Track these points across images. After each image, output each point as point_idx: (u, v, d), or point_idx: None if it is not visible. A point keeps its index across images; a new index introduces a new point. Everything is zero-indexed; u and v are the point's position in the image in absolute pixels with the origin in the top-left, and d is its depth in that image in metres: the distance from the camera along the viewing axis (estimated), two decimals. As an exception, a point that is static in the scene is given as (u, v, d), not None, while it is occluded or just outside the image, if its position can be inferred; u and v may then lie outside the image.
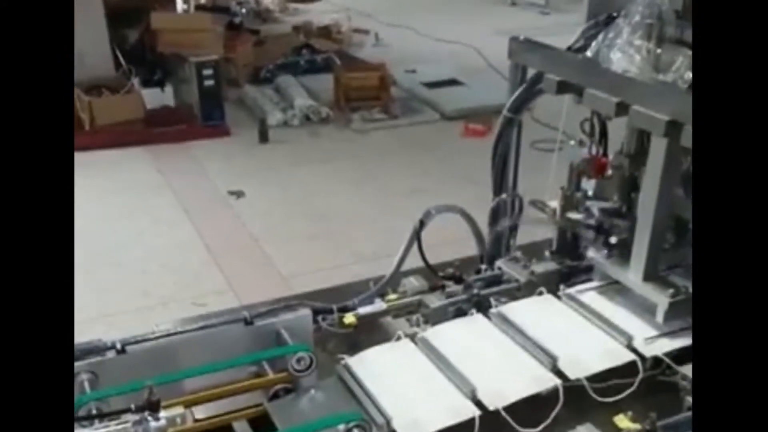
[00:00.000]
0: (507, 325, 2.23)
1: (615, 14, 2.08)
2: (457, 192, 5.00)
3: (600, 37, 2.06)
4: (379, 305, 2.37)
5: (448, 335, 2.20)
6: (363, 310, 2.34)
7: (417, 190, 5.36)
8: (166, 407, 1.76)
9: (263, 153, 6.30)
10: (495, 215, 2.57)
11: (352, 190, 5.55)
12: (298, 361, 1.99)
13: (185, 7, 9.09)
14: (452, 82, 7.64)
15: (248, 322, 2.08)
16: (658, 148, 1.99)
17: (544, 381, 2.00)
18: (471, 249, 2.69)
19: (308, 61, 8.12)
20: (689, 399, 1.92)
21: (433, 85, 7.55)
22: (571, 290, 2.36)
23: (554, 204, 2.48)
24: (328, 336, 2.29)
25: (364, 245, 4.66)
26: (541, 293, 2.37)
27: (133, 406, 1.71)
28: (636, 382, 1.99)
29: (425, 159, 6.08)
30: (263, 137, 6.46)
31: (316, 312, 2.25)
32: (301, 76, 7.71)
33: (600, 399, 1.97)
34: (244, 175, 5.78)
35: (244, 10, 10.18)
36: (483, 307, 2.33)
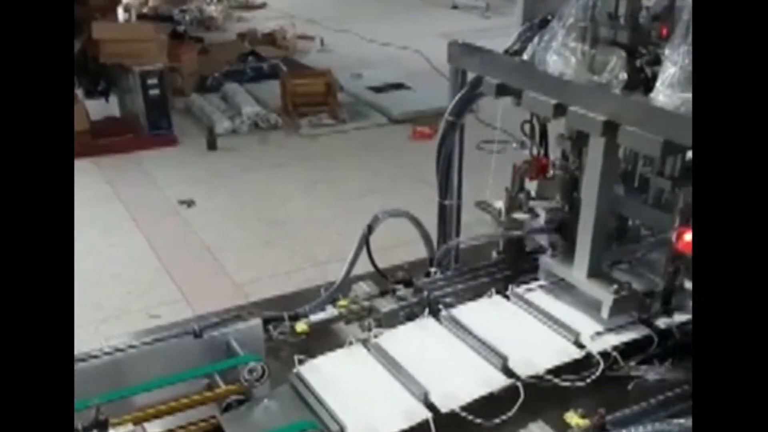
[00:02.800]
0: (457, 327, 2.25)
1: (549, 17, 2.11)
2: (409, 192, 5.06)
3: (535, 40, 2.09)
4: (330, 312, 2.36)
5: (399, 339, 2.21)
6: (314, 318, 2.33)
7: (369, 192, 5.38)
8: (116, 425, 1.74)
9: (212, 161, 6.25)
10: (442, 218, 2.59)
11: (304, 195, 5.55)
12: (250, 371, 1.98)
13: (127, 16, 8.96)
14: (398, 86, 7.68)
15: (197, 335, 2.07)
16: (596, 147, 2.03)
17: (495, 381, 2.02)
18: (423, 250, 2.71)
19: (254, 69, 8.08)
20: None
21: (379, 89, 7.58)
22: (519, 290, 2.39)
23: (499, 204, 2.52)
24: (280, 344, 2.28)
25: (318, 249, 4.65)
26: (489, 294, 2.39)
27: (80, 426, 1.68)
28: (585, 378, 2.02)
29: (375, 162, 6.10)
30: (212, 145, 6.41)
31: (266, 321, 2.24)
32: (247, 84, 7.67)
33: (550, 396, 1.99)
34: (194, 183, 5.73)
35: (187, 19, 10.09)
36: (433, 309, 2.35)
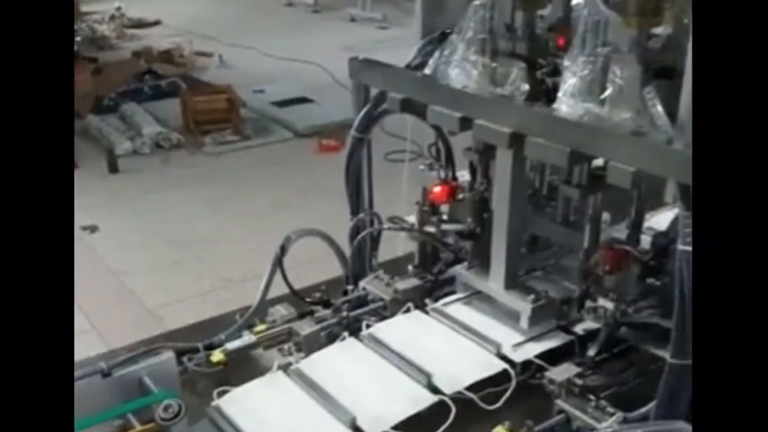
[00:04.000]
0: (379, 345, 2.21)
1: (449, 31, 2.11)
2: (320, 205, 5.01)
3: (436, 54, 2.08)
4: (247, 338, 2.29)
5: (321, 363, 2.16)
6: (231, 346, 2.25)
7: (280, 208, 5.32)
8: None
9: (114, 184, 6.06)
10: (355, 234, 2.55)
11: (212, 214, 5.44)
12: (165, 409, 1.88)
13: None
14: (301, 100, 7.65)
15: (106, 374, 1.96)
16: (504, 159, 2.04)
17: (421, 399, 2.00)
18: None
19: (152, 87, 7.87)
20: (558, 402, 1.97)
21: (282, 103, 7.53)
22: (437, 304, 2.37)
23: (412, 219, 2.50)
24: (196, 377, 2.20)
25: (232, 268, 4.55)
26: (408, 310, 2.37)
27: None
28: (510, 389, 2.01)
29: (284, 176, 6.04)
30: (113, 167, 6.22)
31: (180, 353, 2.15)
32: (146, 103, 7.46)
33: (477, 410, 1.98)
34: (96, 208, 5.52)
35: (79, 38, 9.74)
36: (354, 329, 2.31)
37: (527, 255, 2.40)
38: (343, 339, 2.27)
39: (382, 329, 2.29)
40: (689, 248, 1.59)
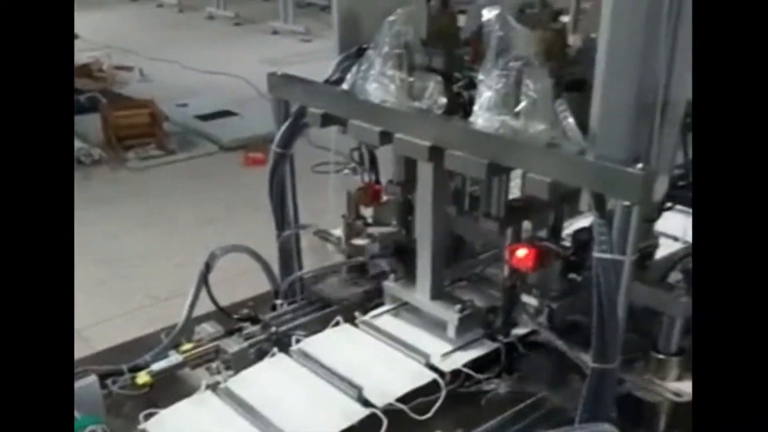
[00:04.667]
0: (309, 360, 2.21)
1: (365, 46, 2.12)
2: (247, 219, 4.93)
3: (354, 69, 2.10)
4: (174, 358, 2.25)
5: (251, 381, 2.14)
6: (157, 367, 2.21)
7: (207, 222, 5.23)
8: None
9: (34, 203, 5.86)
10: (282, 249, 2.54)
11: (137, 230, 5.30)
12: (90, 436, 1.84)
13: None
14: (226, 113, 7.56)
15: (27, 401, 1.90)
16: (425, 172, 2.06)
17: (353, 413, 2.00)
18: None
19: (71, 102, 7.66)
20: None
21: (207, 117, 7.42)
22: (366, 317, 2.38)
23: (338, 232, 2.51)
24: (121, 400, 2.15)
25: (159, 286, 4.45)
26: (338, 323, 2.37)
27: None
28: (440, 399, 2.03)
29: (211, 190, 5.95)
30: (31, 187, 6.01)
31: (103, 376, 2.10)
32: (65, 119, 7.25)
33: (409, 421, 1.99)
34: (14, 228, 5.34)
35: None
36: (284, 344, 2.30)
37: (453, 265, 2.43)
38: (273, 355, 2.25)
39: (312, 343, 2.29)
40: (605, 255, 1.63)
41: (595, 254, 1.65)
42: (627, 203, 1.58)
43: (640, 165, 1.55)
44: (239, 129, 7.04)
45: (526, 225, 2.20)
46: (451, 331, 2.23)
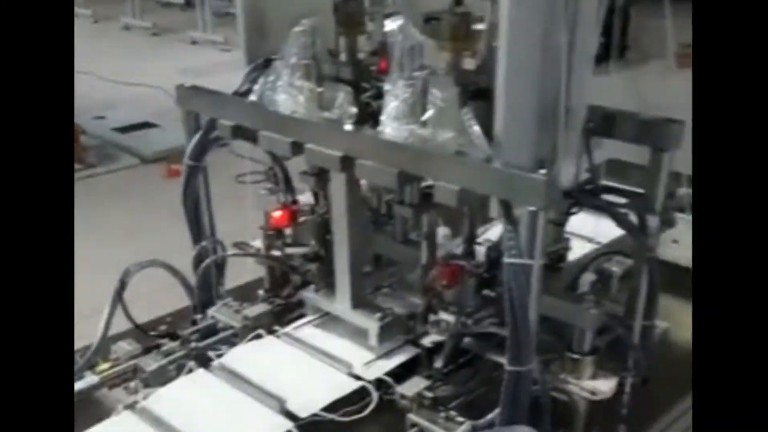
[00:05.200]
0: (230, 375, 2.18)
1: (273, 57, 2.11)
2: (171, 231, 4.80)
3: (261, 80, 2.08)
4: (90, 379, 2.20)
5: (170, 398, 2.10)
6: (72, 388, 2.16)
7: (130, 235, 5.13)
8: None
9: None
10: (199, 263, 2.50)
11: (58, 247, 5.17)
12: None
13: None
14: (146, 125, 7.42)
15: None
16: (338, 182, 2.06)
17: (276, 426, 1.98)
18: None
19: (-15, 117, 7.41)
20: (409, 415, 2.00)
21: (126, 129, 7.28)
22: (288, 328, 2.37)
23: (258, 243, 2.48)
24: (36, 426, 2.08)
25: (78, 303, 4.29)
26: (259, 336, 2.35)
27: None
28: (364, 408, 2.03)
29: (133, 203, 5.83)
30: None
31: (15, 401, 2.03)
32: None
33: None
34: None
35: None
36: (205, 359, 2.26)
37: (373, 273, 2.43)
38: (191, 371, 2.21)
39: (233, 357, 2.26)
40: (514, 260, 1.65)
41: (505, 259, 1.67)
42: (532, 208, 1.60)
43: (543, 171, 1.57)
44: (160, 141, 6.92)
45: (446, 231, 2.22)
46: (372, 340, 2.22)
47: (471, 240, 2.09)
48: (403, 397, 2.06)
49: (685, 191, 2.60)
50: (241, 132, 2.16)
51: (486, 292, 2.02)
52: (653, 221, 1.84)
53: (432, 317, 2.10)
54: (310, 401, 2.06)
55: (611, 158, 2.83)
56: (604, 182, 2.70)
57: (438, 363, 2.12)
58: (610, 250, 2.24)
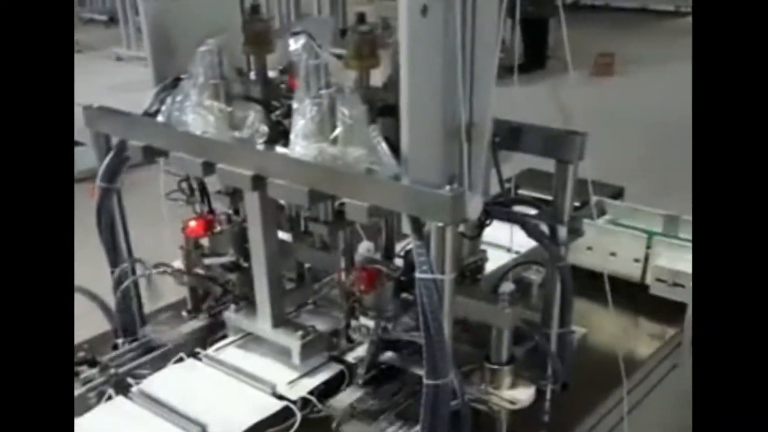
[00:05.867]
0: (150, 401, 2.13)
1: (182, 76, 2.08)
2: (96, 253, 4.70)
3: (168, 100, 2.06)
4: (6, 412, 2.13)
5: (88, 429, 2.05)
6: (-16, 424, 2.09)
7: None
8: None
9: None
10: (118, 286, 2.45)
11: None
12: None
13: None
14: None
15: None
16: (251, 201, 2.04)
17: (198, 454, 1.96)
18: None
19: None
20: (341, 430, 2.01)
21: (49, 149, 7.12)
22: (210, 350, 2.33)
23: (178, 264, 2.45)
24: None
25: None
26: (181, 359, 2.31)
27: None
28: (289, 428, 2.02)
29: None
30: None
31: None
32: None
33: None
34: None
35: None
36: (125, 386, 2.22)
37: (295, 290, 2.41)
38: (109, 398, 2.17)
39: (153, 383, 2.21)
40: (426, 275, 1.66)
41: (417, 275, 1.67)
42: (440, 224, 1.61)
43: (448, 187, 1.58)
44: (86, 160, 6.75)
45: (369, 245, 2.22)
46: (295, 358, 2.20)
47: (390, 252, 2.10)
48: (334, 409, 2.06)
49: (597, 199, 2.66)
50: (152, 153, 2.12)
51: (405, 295, 2.03)
52: (562, 231, 1.87)
53: (353, 323, 2.11)
54: (233, 425, 2.03)
55: (531, 168, 2.88)
56: (524, 192, 2.78)
57: (360, 369, 2.13)
58: (526, 260, 2.27)
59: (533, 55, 9.19)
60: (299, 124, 1.76)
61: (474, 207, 1.64)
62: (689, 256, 2.49)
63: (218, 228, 2.34)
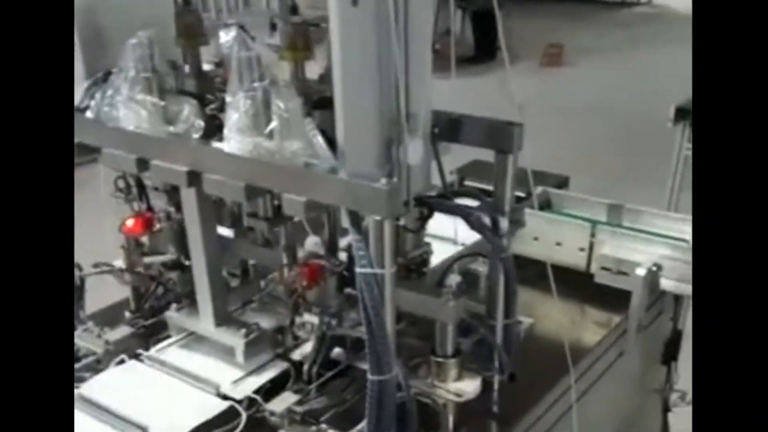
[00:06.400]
0: (89, 405, 2.08)
1: (113, 71, 2.03)
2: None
3: (98, 95, 2.00)
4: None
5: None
6: None
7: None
8: None
9: None
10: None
11: None
12: None
13: None
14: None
15: None
16: (188, 198, 2.00)
17: (140, 458, 1.91)
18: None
19: None
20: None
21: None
22: (152, 351, 2.28)
23: (119, 263, 2.39)
24: None
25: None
26: (122, 361, 2.26)
27: None
28: (234, 429, 1.99)
29: None
30: None
31: None
32: None
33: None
34: None
35: None
36: (64, 390, 2.16)
37: (239, 288, 2.37)
38: (49, 404, 2.10)
39: (92, 387, 2.16)
40: (365, 270, 1.64)
41: (357, 269, 1.65)
42: (377, 218, 1.59)
43: (384, 180, 1.56)
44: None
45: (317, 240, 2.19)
46: (239, 357, 2.17)
47: (333, 246, 2.07)
48: (272, 413, 2.02)
49: (542, 189, 2.67)
50: (85, 150, 2.06)
51: (349, 290, 2.01)
52: (504, 222, 1.86)
53: (298, 320, 2.08)
54: (176, 427, 2.00)
55: (477, 159, 2.87)
56: (470, 183, 2.78)
57: (306, 366, 2.10)
58: (471, 252, 2.26)
59: (484, 47, 9.26)
60: (233, 118, 1.72)
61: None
62: (633, 245, 2.51)
63: (157, 226, 2.28)
